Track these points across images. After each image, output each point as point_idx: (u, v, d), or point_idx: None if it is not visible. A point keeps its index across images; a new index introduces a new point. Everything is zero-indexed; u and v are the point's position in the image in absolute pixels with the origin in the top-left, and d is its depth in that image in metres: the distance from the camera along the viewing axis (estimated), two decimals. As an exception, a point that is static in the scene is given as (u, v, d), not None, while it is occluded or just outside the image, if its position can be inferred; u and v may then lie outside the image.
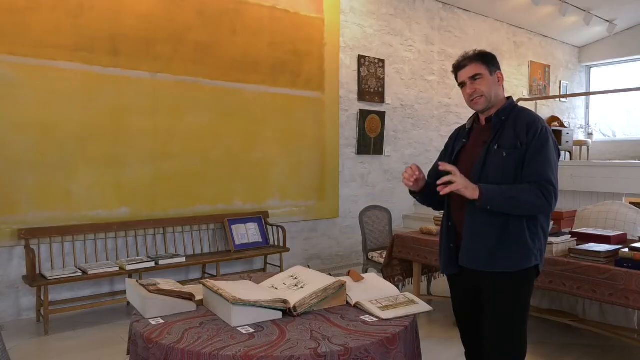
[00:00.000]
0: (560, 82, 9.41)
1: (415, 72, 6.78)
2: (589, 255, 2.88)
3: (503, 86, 2.09)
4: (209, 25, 4.80)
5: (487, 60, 2.04)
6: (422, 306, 1.87)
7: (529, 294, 2.04)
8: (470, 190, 1.88)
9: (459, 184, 1.87)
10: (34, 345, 3.49)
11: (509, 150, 1.95)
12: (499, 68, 2.06)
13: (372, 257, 4.47)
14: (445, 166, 1.93)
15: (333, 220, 5.88)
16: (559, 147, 2.06)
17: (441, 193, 1.91)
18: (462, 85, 2.07)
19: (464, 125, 2.20)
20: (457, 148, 2.15)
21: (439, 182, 1.92)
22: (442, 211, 2.23)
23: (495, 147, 1.98)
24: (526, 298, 2.03)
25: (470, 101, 2.06)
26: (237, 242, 4.81)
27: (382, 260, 4.17)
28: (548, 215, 2.02)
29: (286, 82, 5.37)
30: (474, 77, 2.02)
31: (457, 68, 2.08)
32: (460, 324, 2.25)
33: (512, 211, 1.91)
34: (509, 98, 2.09)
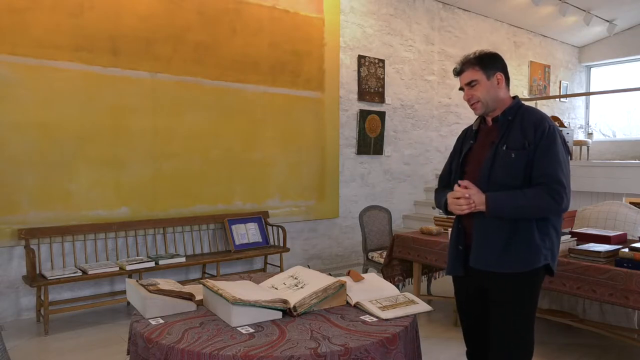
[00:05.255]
0: (560, 82, 9.41)
1: (415, 72, 6.78)
2: (589, 255, 2.88)
3: (507, 86, 2.07)
4: (209, 25, 4.80)
5: (485, 63, 2.02)
6: (422, 306, 1.87)
7: (537, 294, 2.04)
8: (479, 205, 1.94)
9: (477, 202, 1.94)
10: (34, 345, 3.49)
11: (517, 151, 1.94)
12: (500, 69, 2.03)
13: (372, 257, 4.47)
14: (462, 184, 1.99)
15: (333, 220, 5.88)
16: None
17: (460, 213, 1.99)
18: (462, 89, 2.10)
19: (471, 126, 2.19)
20: (464, 150, 2.14)
21: (454, 196, 2.00)
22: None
23: (504, 148, 1.97)
24: (534, 298, 2.02)
25: (470, 106, 2.09)
26: (237, 242, 4.81)
27: (382, 260, 4.17)
28: (560, 214, 2.00)
29: (286, 82, 5.37)
30: (469, 84, 2.04)
31: (456, 73, 2.10)
32: (464, 324, 2.24)
33: (522, 217, 1.92)
34: (515, 97, 2.09)
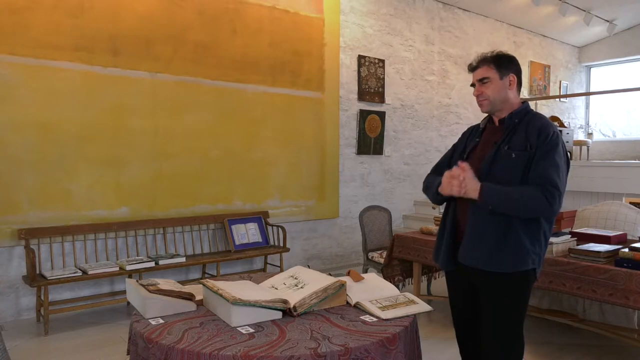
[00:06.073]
0: (560, 82, 9.41)
1: (415, 72, 6.78)
2: (589, 255, 2.88)
3: (519, 90, 2.10)
4: (209, 25, 4.80)
5: (501, 63, 2.05)
6: (422, 306, 1.87)
7: (526, 296, 2.05)
8: (471, 191, 1.93)
9: (468, 186, 1.93)
10: (34, 345, 3.49)
11: (519, 152, 1.96)
12: (514, 71, 2.06)
13: (372, 257, 4.47)
14: (462, 165, 1.98)
15: (333, 220, 5.88)
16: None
17: (448, 192, 1.99)
18: (473, 85, 2.12)
19: (478, 125, 2.22)
20: (469, 147, 2.17)
21: (449, 174, 1.99)
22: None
23: (506, 148, 2.00)
24: (523, 300, 2.04)
25: (477, 102, 2.11)
26: (237, 242, 4.81)
27: (382, 260, 4.17)
28: (551, 221, 2.02)
29: (286, 82, 5.37)
30: (482, 80, 2.06)
31: (471, 69, 2.12)
32: (456, 323, 2.26)
33: (512, 213, 1.93)
34: (524, 102, 2.11)
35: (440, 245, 2.20)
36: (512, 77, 2.05)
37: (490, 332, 2.03)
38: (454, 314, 2.27)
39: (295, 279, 2.01)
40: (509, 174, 1.95)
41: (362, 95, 6.11)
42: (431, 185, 2.18)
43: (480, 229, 1.99)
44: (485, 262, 1.97)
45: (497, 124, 2.11)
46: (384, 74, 6.34)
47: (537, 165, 1.92)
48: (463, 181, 1.94)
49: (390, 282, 3.60)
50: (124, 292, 4.21)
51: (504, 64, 2.05)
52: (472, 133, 2.24)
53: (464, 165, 1.97)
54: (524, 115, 2.05)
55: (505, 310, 2.00)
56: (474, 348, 2.17)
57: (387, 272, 4.01)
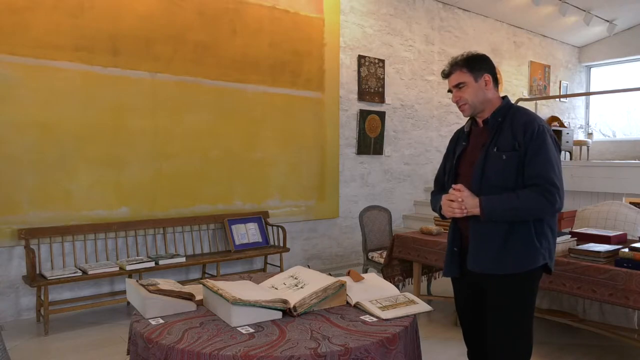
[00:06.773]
0: (560, 82, 9.41)
1: (415, 72, 6.78)
2: (589, 255, 2.88)
3: (496, 86, 2.07)
4: (209, 25, 4.80)
5: (473, 66, 2.02)
6: (422, 306, 1.87)
7: (534, 294, 2.05)
8: (472, 209, 1.95)
9: (467, 205, 1.95)
10: (34, 345, 3.49)
11: (508, 152, 1.94)
12: (488, 70, 2.03)
13: (372, 257, 4.47)
14: (456, 187, 2.00)
15: (333, 220, 5.88)
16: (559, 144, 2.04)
17: (452, 215, 2.02)
18: (450, 91, 2.11)
19: (463, 128, 2.19)
20: (457, 152, 2.15)
21: (447, 198, 2.02)
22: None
23: (494, 150, 1.97)
24: (531, 298, 2.03)
25: (458, 107, 2.09)
26: (237, 242, 4.81)
27: (382, 260, 4.17)
28: (554, 214, 2.00)
29: (286, 82, 5.37)
30: (457, 86, 2.04)
31: (444, 75, 2.10)
32: (463, 324, 2.25)
33: (516, 220, 1.93)
34: (504, 97, 2.08)
35: (446, 255, 2.21)
36: (487, 76, 2.02)
37: (497, 333, 2.01)
38: (460, 317, 2.26)
39: (295, 279, 2.01)
40: (502, 176, 1.94)
41: (362, 95, 6.11)
42: (435, 207, 2.20)
43: (484, 233, 1.98)
44: (495, 265, 1.96)
45: (481, 125, 2.09)
46: (384, 74, 6.34)
47: (530, 164, 1.90)
48: (462, 203, 1.95)
49: (390, 282, 3.60)
50: (124, 292, 4.21)
51: (477, 65, 2.02)
52: (458, 137, 2.21)
53: (459, 186, 1.98)
54: (507, 112, 2.02)
55: (515, 310, 1.99)
56: (481, 350, 2.16)
57: (387, 272, 4.01)
